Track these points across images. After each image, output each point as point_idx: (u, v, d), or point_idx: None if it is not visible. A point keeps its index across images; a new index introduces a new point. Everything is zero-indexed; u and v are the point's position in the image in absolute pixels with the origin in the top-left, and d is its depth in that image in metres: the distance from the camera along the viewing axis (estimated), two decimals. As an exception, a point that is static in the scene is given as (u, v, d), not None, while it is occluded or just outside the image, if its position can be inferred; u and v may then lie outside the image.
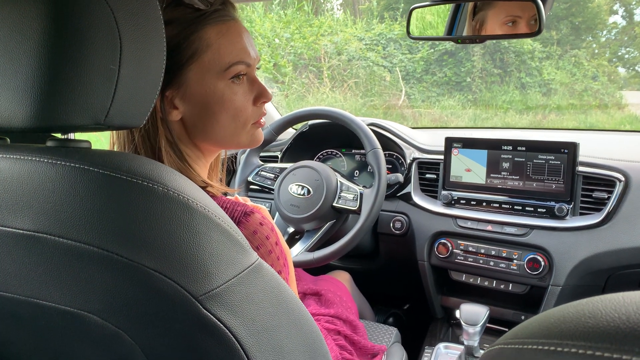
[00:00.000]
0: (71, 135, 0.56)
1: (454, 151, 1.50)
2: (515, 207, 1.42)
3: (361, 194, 1.40)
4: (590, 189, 1.36)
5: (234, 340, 0.50)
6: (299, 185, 1.45)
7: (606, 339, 0.27)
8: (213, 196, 0.74)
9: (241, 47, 0.76)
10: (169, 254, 0.48)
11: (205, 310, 0.48)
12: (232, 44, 0.74)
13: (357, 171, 1.79)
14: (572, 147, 1.34)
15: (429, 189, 1.59)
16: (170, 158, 0.75)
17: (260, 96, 0.79)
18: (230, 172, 1.85)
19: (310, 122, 1.72)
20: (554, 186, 1.37)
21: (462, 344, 1.30)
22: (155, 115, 0.73)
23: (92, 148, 0.55)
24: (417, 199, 1.57)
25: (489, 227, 1.44)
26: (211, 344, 0.49)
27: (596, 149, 1.44)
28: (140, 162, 0.51)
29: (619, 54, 8.33)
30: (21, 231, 0.49)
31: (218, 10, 0.74)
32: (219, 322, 0.49)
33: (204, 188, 0.74)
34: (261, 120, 0.82)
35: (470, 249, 1.47)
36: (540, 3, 1.02)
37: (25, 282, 0.51)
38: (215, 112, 0.75)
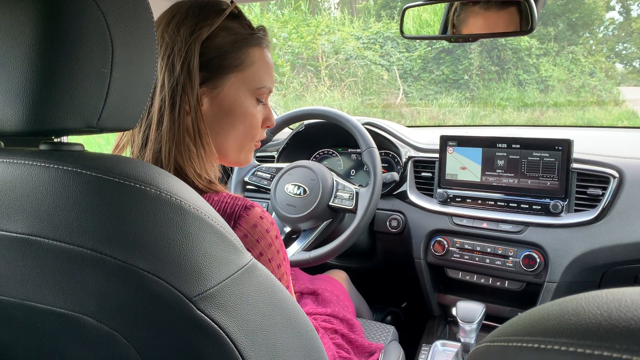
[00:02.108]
0: (64, 139, 0.57)
1: (449, 149, 1.50)
2: (511, 204, 1.42)
3: (357, 193, 1.41)
4: (585, 186, 1.36)
5: (229, 340, 0.50)
6: (295, 184, 1.45)
7: (588, 335, 0.27)
8: (215, 193, 0.76)
9: (271, 74, 0.85)
10: (162, 256, 0.48)
11: (199, 311, 0.48)
12: (267, 69, 0.84)
13: (353, 170, 1.80)
14: (566, 144, 1.35)
15: (425, 187, 1.59)
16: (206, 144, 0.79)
17: (267, 120, 0.88)
18: (227, 173, 1.85)
19: (306, 121, 1.72)
20: (548, 183, 1.37)
21: (459, 341, 1.30)
22: (198, 104, 0.77)
23: (85, 151, 0.56)
24: (413, 197, 1.57)
25: (485, 225, 1.45)
26: (205, 344, 0.50)
27: (591, 146, 1.45)
28: (132, 165, 0.52)
29: (617, 50, 8.35)
30: (15, 234, 0.49)
31: (264, 36, 0.84)
32: (213, 323, 0.49)
33: (209, 185, 0.76)
34: (259, 143, 0.89)
35: (466, 246, 1.47)
36: (532, 1, 1.02)
37: (19, 285, 0.51)
38: (235, 120, 0.82)
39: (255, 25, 0.84)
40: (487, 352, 0.34)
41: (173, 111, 0.75)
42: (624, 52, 8.43)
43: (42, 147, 0.55)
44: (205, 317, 0.49)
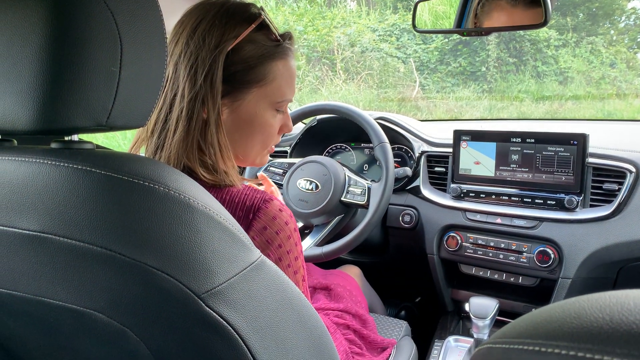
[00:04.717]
0: (75, 137, 0.57)
1: (463, 144, 1.49)
2: (525, 199, 1.41)
3: (369, 188, 1.41)
4: (601, 181, 1.34)
5: (237, 336, 0.51)
6: (307, 180, 1.45)
7: (589, 339, 0.27)
8: (233, 185, 0.77)
9: (293, 84, 0.85)
10: (171, 253, 0.49)
11: (207, 308, 0.49)
12: (289, 82, 0.84)
13: (366, 165, 1.79)
14: (582, 139, 1.33)
15: (438, 182, 1.59)
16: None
17: (284, 127, 0.89)
18: (240, 168, 1.86)
19: (319, 116, 1.72)
20: (563, 178, 1.36)
21: (472, 337, 1.30)
22: (219, 117, 0.77)
23: (96, 149, 0.56)
24: (426, 192, 1.57)
25: (499, 220, 1.43)
26: (214, 340, 0.50)
27: (608, 140, 1.42)
28: (141, 163, 0.52)
29: (639, 40, 8.16)
30: (27, 232, 0.50)
31: (290, 46, 0.83)
32: (221, 319, 0.50)
33: (224, 177, 0.77)
34: (273, 148, 0.90)
35: (480, 242, 1.46)
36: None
37: (33, 281, 0.52)
38: (254, 131, 0.83)
39: (281, 31, 0.83)
40: (489, 353, 0.34)
41: (190, 122, 0.76)
42: (646, 42, 8.25)
43: (53, 145, 0.56)
44: (214, 314, 0.49)
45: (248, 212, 0.73)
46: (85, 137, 0.61)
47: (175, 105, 0.76)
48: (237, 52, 0.77)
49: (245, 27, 0.77)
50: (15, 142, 0.61)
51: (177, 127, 0.76)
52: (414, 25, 1.23)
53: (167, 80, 0.77)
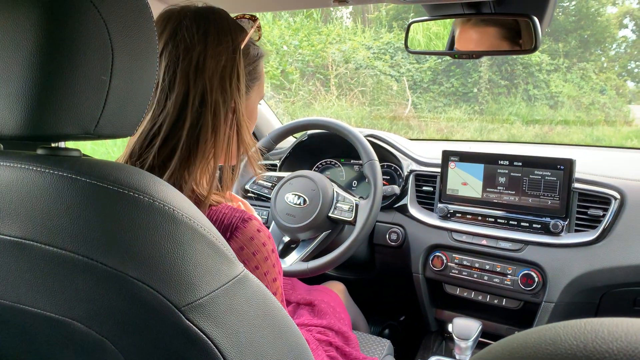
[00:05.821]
0: (62, 144, 0.57)
1: (451, 164, 1.50)
2: (511, 222, 1.42)
3: (357, 205, 1.41)
4: (586, 206, 1.36)
5: (217, 351, 0.50)
6: (296, 194, 1.45)
7: None
8: (218, 203, 0.76)
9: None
10: (153, 264, 0.48)
11: (187, 321, 0.48)
12: (263, 77, 0.90)
13: (355, 181, 1.80)
14: (569, 164, 1.34)
15: (426, 201, 1.59)
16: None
17: None
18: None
19: (310, 131, 1.73)
20: (549, 202, 1.37)
21: (454, 357, 1.29)
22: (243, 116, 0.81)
23: (82, 157, 0.56)
24: (414, 211, 1.57)
25: (484, 242, 1.44)
26: (193, 354, 0.50)
27: (595, 166, 1.44)
28: (127, 173, 0.52)
29: (629, 67, 8.29)
30: (8, 238, 0.50)
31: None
32: (201, 333, 0.49)
33: (214, 196, 0.77)
34: None
35: (465, 262, 1.47)
36: (537, 20, 1.03)
37: (12, 288, 0.52)
38: (252, 122, 0.89)
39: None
40: (465, 376, 0.34)
41: (217, 133, 0.76)
42: (636, 70, 8.38)
43: (40, 151, 0.56)
44: (194, 327, 0.49)
45: (225, 231, 0.72)
46: (73, 144, 0.61)
47: (186, 119, 0.74)
48: (245, 53, 0.81)
49: (244, 30, 0.80)
50: (1, 146, 0.61)
51: (199, 141, 0.74)
52: (406, 46, 1.25)
53: (170, 95, 0.75)
